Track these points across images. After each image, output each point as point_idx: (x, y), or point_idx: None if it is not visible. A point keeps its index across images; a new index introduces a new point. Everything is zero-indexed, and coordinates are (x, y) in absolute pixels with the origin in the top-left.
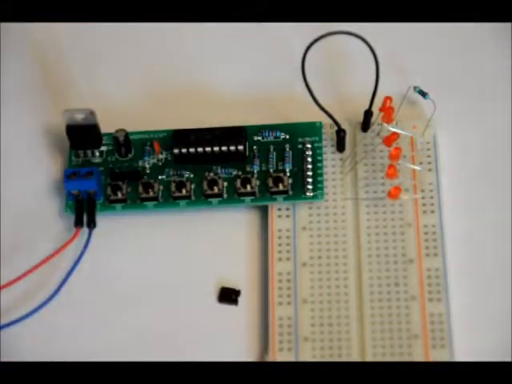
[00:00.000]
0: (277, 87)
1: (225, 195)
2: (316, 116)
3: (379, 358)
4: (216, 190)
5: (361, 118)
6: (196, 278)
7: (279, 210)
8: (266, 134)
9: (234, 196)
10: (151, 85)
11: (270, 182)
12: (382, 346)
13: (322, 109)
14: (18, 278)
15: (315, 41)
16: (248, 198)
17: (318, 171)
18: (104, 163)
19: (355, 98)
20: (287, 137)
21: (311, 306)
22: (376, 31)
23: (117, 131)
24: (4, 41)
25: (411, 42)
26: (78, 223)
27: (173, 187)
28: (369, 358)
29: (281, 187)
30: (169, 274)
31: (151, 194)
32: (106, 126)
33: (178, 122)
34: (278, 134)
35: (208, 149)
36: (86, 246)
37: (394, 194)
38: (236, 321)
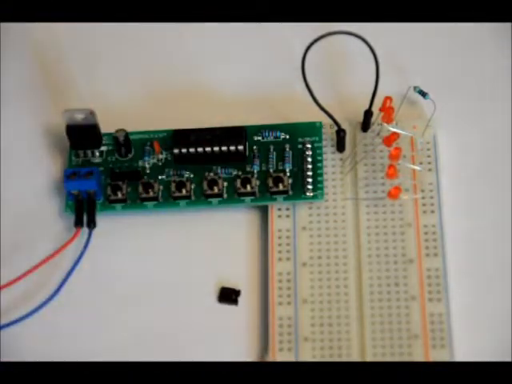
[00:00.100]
0: (277, 87)
1: (225, 195)
2: (316, 116)
3: (379, 358)
4: (216, 190)
5: (361, 118)
6: (196, 278)
7: (279, 210)
8: (266, 133)
9: (234, 196)
10: (151, 85)
11: (270, 182)
12: (382, 345)
13: (322, 109)
14: (18, 278)
15: (315, 41)
16: (248, 198)
17: (318, 171)
18: (104, 163)
19: (355, 98)
20: (287, 137)
21: (311, 306)
22: (376, 31)
23: (117, 131)
24: (4, 41)
25: (411, 42)
26: (78, 223)
27: (173, 187)
28: (369, 358)
29: (281, 187)
30: (169, 274)
31: (151, 194)
32: (106, 126)
33: (178, 122)
34: (278, 134)
35: (208, 149)
36: (85, 246)
37: (393, 194)
38: (236, 321)
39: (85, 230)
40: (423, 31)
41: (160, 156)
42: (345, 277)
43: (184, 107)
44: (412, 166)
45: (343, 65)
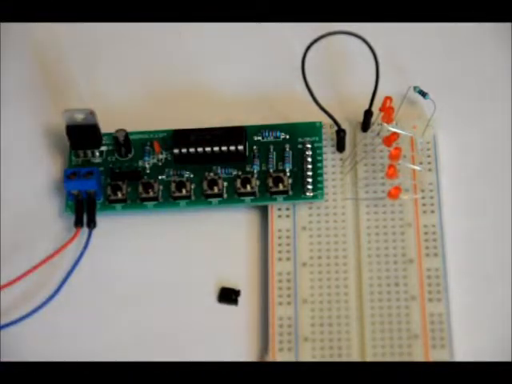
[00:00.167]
0: (277, 87)
1: (225, 195)
2: (316, 116)
3: (379, 358)
4: (216, 190)
5: (361, 118)
6: (196, 278)
7: (279, 210)
8: (266, 134)
9: (233, 196)
10: (151, 85)
11: (270, 182)
12: (382, 346)
13: (322, 109)
14: (18, 278)
15: (315, 41)
16: (248, 198)
17: (318, 171)
18: (104, 163)
19: (355, 97)
20: (287, 137)
21: (311, 305)
22: (376, 31)
23: (117, 131)
24: (4, 41)
25: (411, 42)
26: (78, 223)
27: (173, 187)
28: (369, 358)
29: (281, 187)
30: (169, 274)
31: (151, 194)
32: (106, 126)
33: (178, 122)
34: (278, 134)
35: (208, 149)
36: (85, 246)
37: (393, 194)
38: (236, 321)
39: (85, 229)
40: (423, 31)
41: (160, 156)
42: (345, 277)
43: (184, 107)
44: (412, 166)
45: (343, 65)
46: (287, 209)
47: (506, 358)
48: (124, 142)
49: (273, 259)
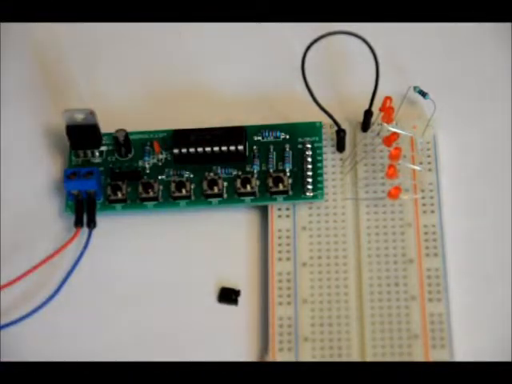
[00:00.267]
0: (277, 87)
1: (225, 195)
2: (316, 116)
3: (379, 358)
4: (216, 190)
5: (361, 118)
6: (196, 278)
7: (279, 210)
8: (266, 134)
9: (233, 196)
10: (151, 85)
11: (270, 182)
12: (382, 346)
13: (322, 109)
14: (18, 278)
15: (315, 41)
16: (248, 198)
17: (318, 171)
18: (104, 163)
19: (355, 98)
20: (287, 137)
21: (311, 305)
22: (376, 31)
23: (117, 131)
24: (4, 41)
25: (411, 42)
26: (78, 223)
27: (173, 187)
28: (369, 358)
29: (281, 187)
30: (169, 274)
31: (151, 194)
32: (106, 126)
33: (178, 122)
34: (278, 134)
35: (208, 149)
36: (85, 246)
37: (393, 194)
38: (236, 321)
39: (85, 229)
40: (423, 31)
41: (160, 156)
42: (345, 277)
43: (184, 107)
44: (412, 166)
45: (343, 65)
46: (287, 209)
47: (506, 358)
48: (124, 142)
49: (273, 259)
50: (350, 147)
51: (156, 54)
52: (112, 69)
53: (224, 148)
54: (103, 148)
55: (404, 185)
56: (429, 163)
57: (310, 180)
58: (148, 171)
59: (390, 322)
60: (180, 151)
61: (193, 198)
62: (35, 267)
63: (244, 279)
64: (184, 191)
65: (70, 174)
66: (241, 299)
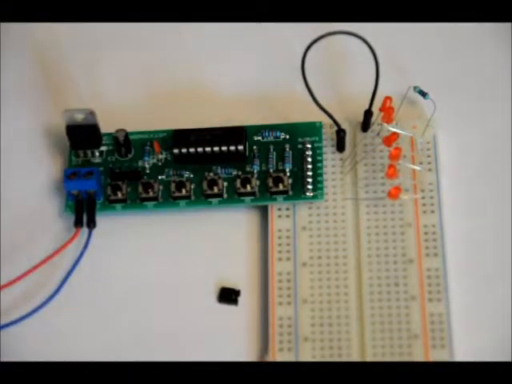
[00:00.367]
0: (277, 87)
1: (225, 195)
2: (316, 116)
3: (379, 358)
4: (216, 190)
5: (361, 118)
6: (196, 278)
7: (279, 210)
8: (266, 134)
9: (233, 196)
10: (151, 85)
11: (270, 182)
12: (382, 346)
13: (322, 109)
14: (18, 278)
15: (315, 41)
16: (248, 198)
17: (318, 171)
18: (104, 163)
19: (355, 98)
20: (287, 137)
21: (311, 305)
22: (376, 31)
23: (117, 131)
24: (4, 41)
25: (411, 42)
26: (78, 223)
27: (173, 187)
28: (369, 358)
29: (281, 187)
30: (169, 274)
31: (151, 194)
32: (106, 126)
33: (178, 122)
34: (278, 134)
35: (208, 149)
36: (85, 246)
37: (393, 194)
38: (236, 321)
39: (85, 229)
40: (423, 31)
41: (160, 156)
42: (345, 277)
43: (184, 107)
44: (412, 166)
45: (343, 65)
46: (287, 209)
47: (506, 358)
48: (124, 142)
49: (273, 259)
50: (350, 147)
51: (156, 54)
52: (112, 69)
53: (224, 148)
54: (103, 148)
55: (404, 185)
56: (429, 163)
57: (309, 180)
58: (148, 171)
59: (390, 322)
60: (180, 151)
61: (193, 197)
62: (35, 267)
63: (244, 279)
64: (184, 191)
65: (70, 174)
66: (241, 299)
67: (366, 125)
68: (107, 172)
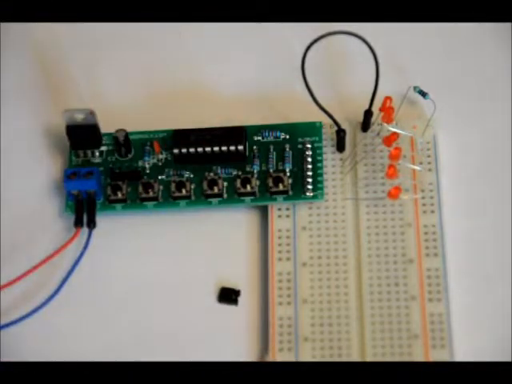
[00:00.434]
0: (277, 87)
1: (225, 195)
2: (316, 116)
3: (379, 358)
4: (216, 190)
5: (361, 118)
6: (196, 278)
7: (279, 210)
8: (266, 134)
9: (233, 196)
10: (151, 85)
11: (270, 182)
12: (382, 346)
13: (322, 109)
14: (18, 278)
15: (315, 41)
16: (248, 198)
17: (318, 171)
18: (104, 163)
19: (355, 98)
20: (287, 137)
21: (311, 305)
22: (376, 31)
23: (117, 131)
24: (4, 41)
25: (411, 42)
26: (78, 223)
27: (173, 187)
28: (369, 358)
29: (281, 187)
30: (169, 274)
31: (151, 194)
32: (106, 126)
33: (178, 122)
34: (278, 133)
35: (208, 149)
36: (85, 246)
37: (393, 194)
38: (236, 321)
39: (85, 229)
40: (423, 31)
41: (160, 156)
42: (345, 277)
43: (184, 107)
44: (412, 166)
45: (343, 65)
46: (287, 209)
47: (506, 358)
48: (124, 142)
49: (273, 259)
50: (350, 147)
51: (156, 54)
52: (112, 69)
53: (224, 148)
54: (103, 148)
55: (404, 185)
56: (429, 163)
57: (309, 180)
58: (148, 171)
59: (390, 322)
60: (180, 151)
61: (193, 197)
62: (35, 267)
63: (244, 279)
64: (184, 191)
65: (70, 174)
66: (241, 299)
67: (366, 125)
68: (107, 172)
